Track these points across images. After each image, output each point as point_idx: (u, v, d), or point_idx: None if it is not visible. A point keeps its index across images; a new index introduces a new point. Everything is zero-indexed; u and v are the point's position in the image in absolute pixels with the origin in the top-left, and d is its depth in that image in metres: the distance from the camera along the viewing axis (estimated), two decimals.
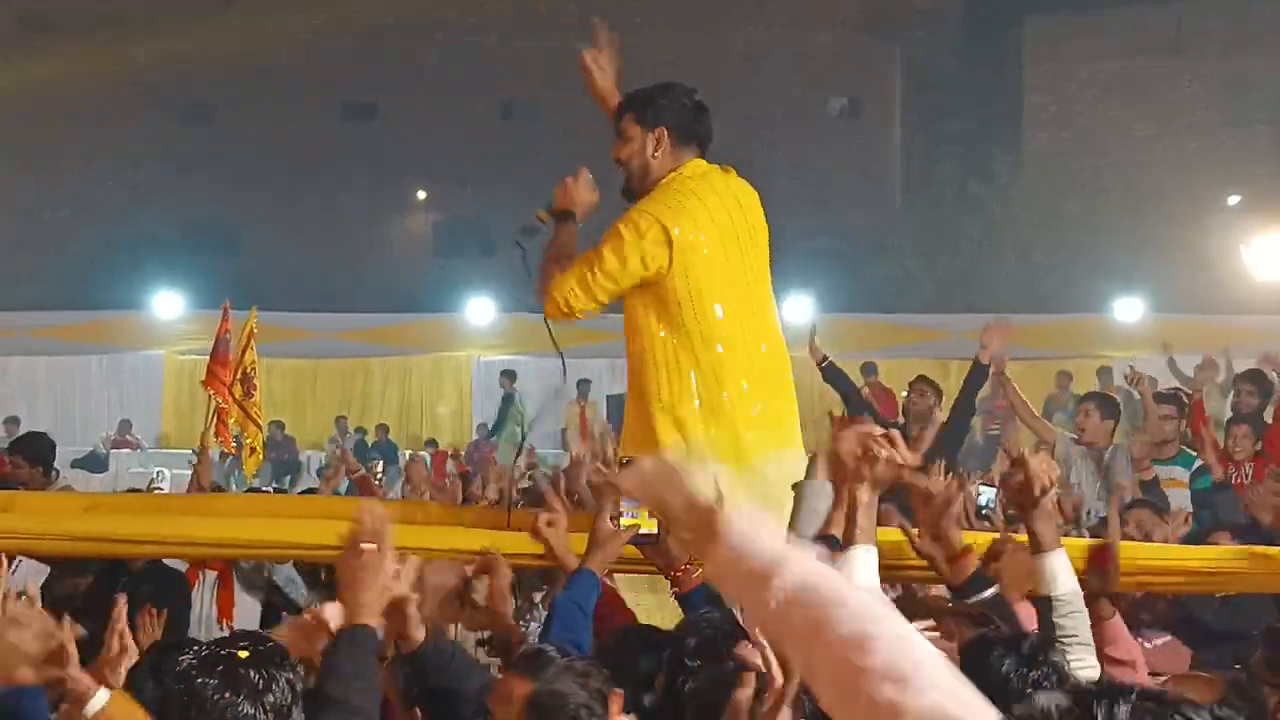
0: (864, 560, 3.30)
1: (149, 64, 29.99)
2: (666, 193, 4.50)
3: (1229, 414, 10.01)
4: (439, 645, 3.40)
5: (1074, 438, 8.56)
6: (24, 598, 3.56)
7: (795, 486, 3.68)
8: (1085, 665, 3.55)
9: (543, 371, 23.18)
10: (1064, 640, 3.57)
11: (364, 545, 3.04)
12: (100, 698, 3.20)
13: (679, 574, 3.88)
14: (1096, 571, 4.13)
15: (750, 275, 4.61)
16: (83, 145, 30.70)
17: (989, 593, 3.78)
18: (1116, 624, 4.12)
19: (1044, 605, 3.69)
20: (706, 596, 3.77)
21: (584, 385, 20.94)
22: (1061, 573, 3.71)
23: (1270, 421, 10.12)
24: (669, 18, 29.52)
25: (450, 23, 31.71)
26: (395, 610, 3.19)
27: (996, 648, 3.18)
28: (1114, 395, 10.76)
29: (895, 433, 3.50)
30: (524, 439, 19.09)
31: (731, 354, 4.51)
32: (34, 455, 8.05)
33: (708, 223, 4.48)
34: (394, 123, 31.80)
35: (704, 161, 4.61)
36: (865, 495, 3.38)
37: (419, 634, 3.33)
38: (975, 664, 3.10)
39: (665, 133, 4.54)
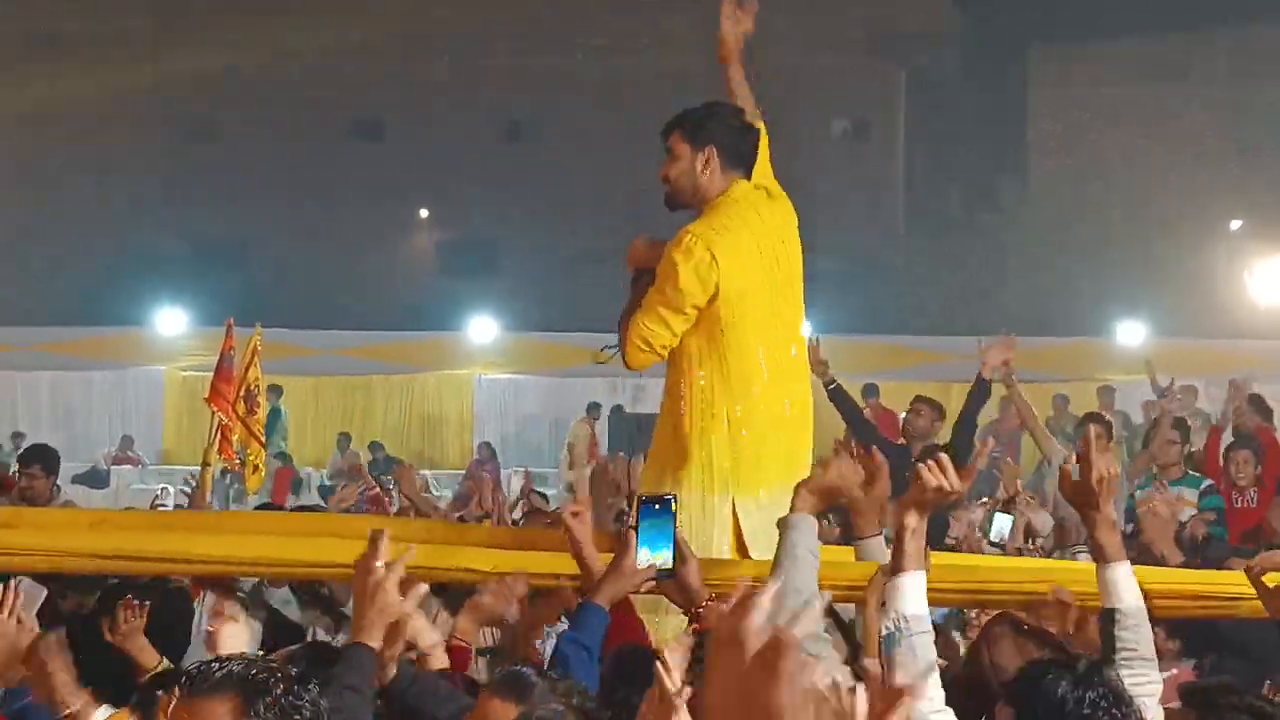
0: (913, 586, 3.29)
1: (155, 81, 30.07)
2: (715, 217, 4.53)
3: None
4: (419, 680, 3.39)
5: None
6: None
7: (780, 522, 3.64)
8: (1148, 681, 3.43)
9: (540, 389, 23.24)
10: (1126, 656, 3.46)
11: (374, 565, 3.06)
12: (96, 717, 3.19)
13: (699, 610, 3.75)
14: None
15: (785, 310, 4.66)
16: (88, 161, 30.73)
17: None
18: None
19: (1107, 619, 3.53)
20: None
21: (595, 408, 20.97)
22: (1125, 585, 3.53)
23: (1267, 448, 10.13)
24: (674, 39, 29.54)
25: (457, 42, 31.75)
26: (391, 635, 3.19)
27: (1051, 671, 3.15)
28: (1110, 418, 10.85)
29: (944, 458, 3.47)
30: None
31: (764, 388, 4.54)
32: (49, 466, 8.11)
33: (753, 251, 4.52)
34: (400, 141, 31.83)
35: (747, 183, 4.65)
36: (914, 521, 3.37)
37: (389, 670, 3.29)
38: (1031, 688, 3.11)
39: (714, 152, 4.56)
